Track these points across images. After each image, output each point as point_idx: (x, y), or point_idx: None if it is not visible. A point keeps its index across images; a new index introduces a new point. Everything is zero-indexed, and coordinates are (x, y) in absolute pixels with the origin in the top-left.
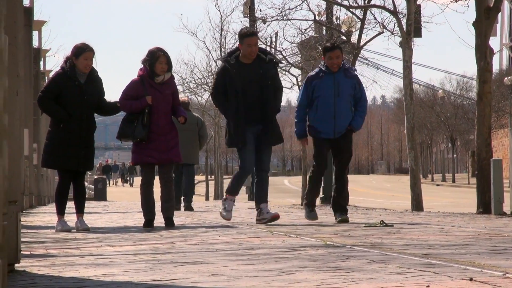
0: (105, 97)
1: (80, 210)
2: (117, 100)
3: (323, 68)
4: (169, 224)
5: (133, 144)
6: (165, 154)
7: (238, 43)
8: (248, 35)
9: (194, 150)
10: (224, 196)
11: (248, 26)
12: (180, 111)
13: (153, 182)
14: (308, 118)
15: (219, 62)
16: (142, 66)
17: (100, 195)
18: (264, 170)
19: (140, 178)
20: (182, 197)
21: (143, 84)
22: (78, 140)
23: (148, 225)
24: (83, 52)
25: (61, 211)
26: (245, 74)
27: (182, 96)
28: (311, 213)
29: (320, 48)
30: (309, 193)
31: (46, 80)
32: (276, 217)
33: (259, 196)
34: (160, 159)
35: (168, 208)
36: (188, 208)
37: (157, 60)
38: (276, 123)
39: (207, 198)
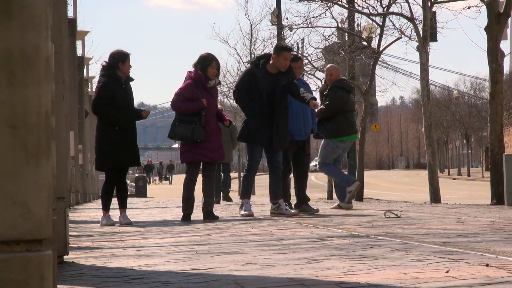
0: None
1: (123, 206)
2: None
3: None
4: (211, 217)
5: (183, 144)
6: (216, 153)
7: (272, 53)
8: (287, 50)
9: (229, 150)
10: (240, 203)
11: (276, 33)
12: (223, 115)
13: (197, 179)
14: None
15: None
16: (193, 69)
17: (141, 192)
18: (276, 166)
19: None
20: (221, 192)
21: (197, 87)
22: (130, 139)
23: (186, 218)
24: (128, 57)
25: (106, 207)
26: (269, 81)
27: None
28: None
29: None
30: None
31: (90, 87)
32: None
33: (274, 192)
34: (213, 157)
35: (210, 203)
36: (227, 198)
37: (209, 65)
38: (286, 129)
39: (239, 194)
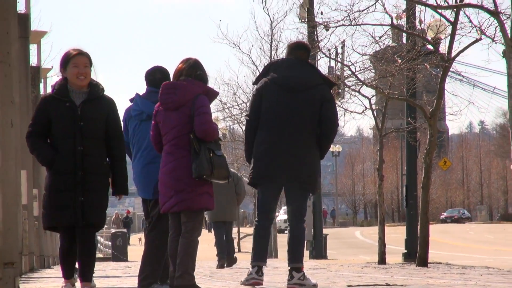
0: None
1: (85, 278)
2: None
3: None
4: None
5: (202, 184)
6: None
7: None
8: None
9: (233, 207)
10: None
11: (306, 33)
12: None
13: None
14: None
15: None
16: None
17: (120, 254)
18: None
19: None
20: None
21: None
22: (72, 185)
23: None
24: (70, 58)
25: (68, 274)
26: None
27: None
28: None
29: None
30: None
31: None
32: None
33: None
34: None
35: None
36: (232, 259)
37: None
38: None
39: (239, 250)
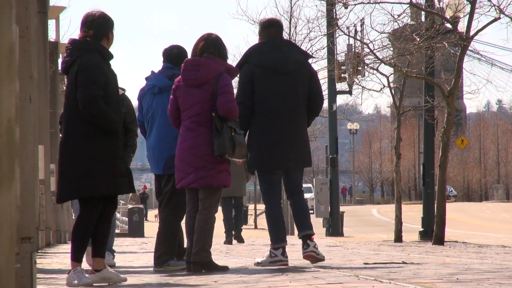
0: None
1: (103, 253)
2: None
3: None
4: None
5: (222, 162)
6: None
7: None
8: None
9: (242, 182)
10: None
11: (325, 11)
12: None
13: None
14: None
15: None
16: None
17: (136, 230)
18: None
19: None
20: (232, 231)
21: None
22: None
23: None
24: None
25: (77, 257)
26: None
27: None
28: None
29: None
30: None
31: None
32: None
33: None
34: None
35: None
36: (239, 238)
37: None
38: None
39: (255, 227)
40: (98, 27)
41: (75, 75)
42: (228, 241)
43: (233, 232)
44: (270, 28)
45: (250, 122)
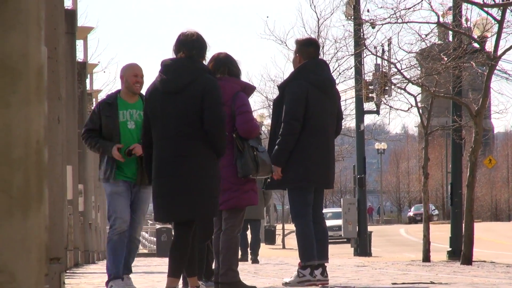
0: None
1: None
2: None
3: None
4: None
5: (247, 182)
6: None
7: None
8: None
9: (260, 205)
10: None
11: (352, 31)
12: None
13: None
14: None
15: None
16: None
17: (165, 250)
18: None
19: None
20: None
21: None
22: None
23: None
24: None
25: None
26: None
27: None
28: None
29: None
30: None
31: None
32: None
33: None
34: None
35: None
36: (255, 261)
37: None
38: None
39: (283, 247)
40: (199, 48)
41: (201, 94)
42: (244, 259)
43: (248, 250)
44: (310, 47)
45: (298, 139)
